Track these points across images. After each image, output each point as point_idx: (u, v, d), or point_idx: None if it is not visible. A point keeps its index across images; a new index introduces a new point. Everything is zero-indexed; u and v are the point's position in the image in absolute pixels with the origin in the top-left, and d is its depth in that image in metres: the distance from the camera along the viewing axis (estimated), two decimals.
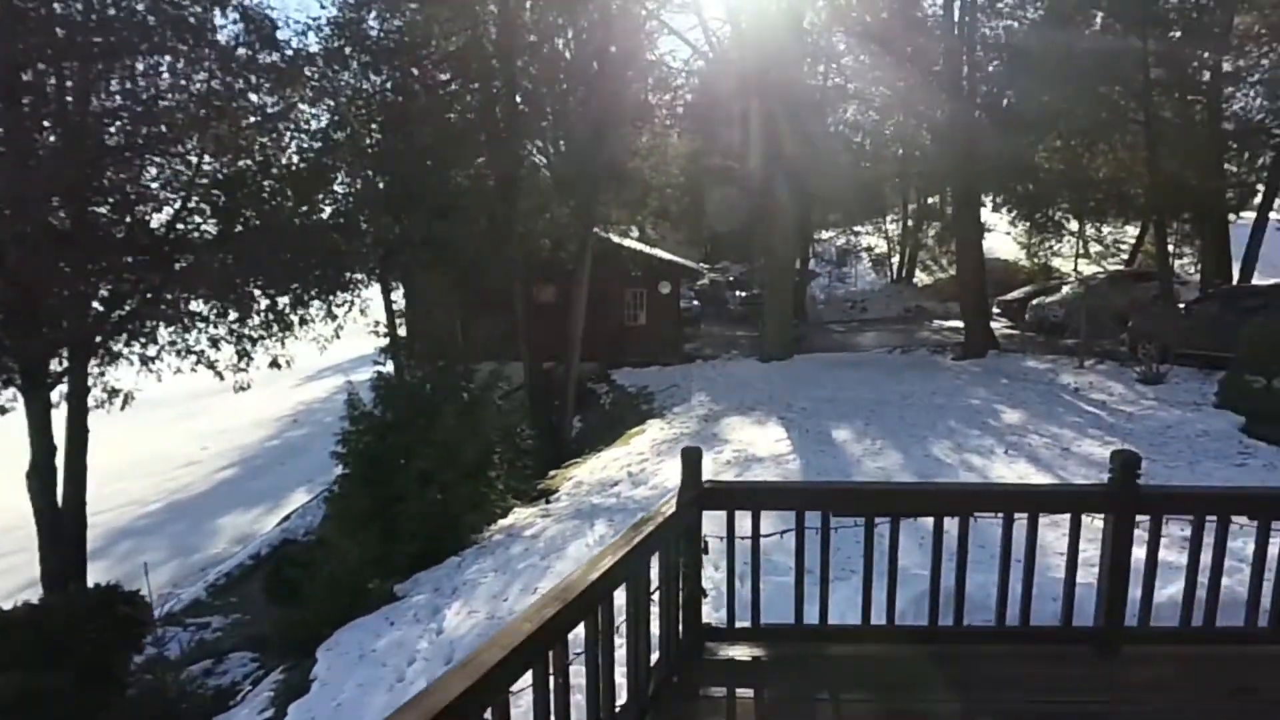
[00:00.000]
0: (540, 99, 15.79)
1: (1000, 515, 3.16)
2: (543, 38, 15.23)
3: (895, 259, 35.05)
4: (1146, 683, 3.03)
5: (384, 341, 12.46)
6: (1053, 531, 4.36)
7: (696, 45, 20.06)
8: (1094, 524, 3.23)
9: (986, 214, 26.18)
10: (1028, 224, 29.39)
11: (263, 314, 11.66)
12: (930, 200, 32.61)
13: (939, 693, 2.97)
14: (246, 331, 11.65)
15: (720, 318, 27.47)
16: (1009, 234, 32.42)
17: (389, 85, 15.10)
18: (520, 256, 14.53)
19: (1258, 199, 22.24)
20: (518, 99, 14.96)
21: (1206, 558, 3.18)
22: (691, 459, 3.21)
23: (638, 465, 9.66)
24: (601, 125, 14.61)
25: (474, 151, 15.13)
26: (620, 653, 2.70)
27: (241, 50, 10.90)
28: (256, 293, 11.47)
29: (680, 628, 3.20)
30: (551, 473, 10.86)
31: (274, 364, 11.92)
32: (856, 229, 34.36)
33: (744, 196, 20.68)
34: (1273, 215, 24.49)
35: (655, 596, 3.00)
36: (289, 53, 11.42)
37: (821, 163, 19.69)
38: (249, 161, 11.66)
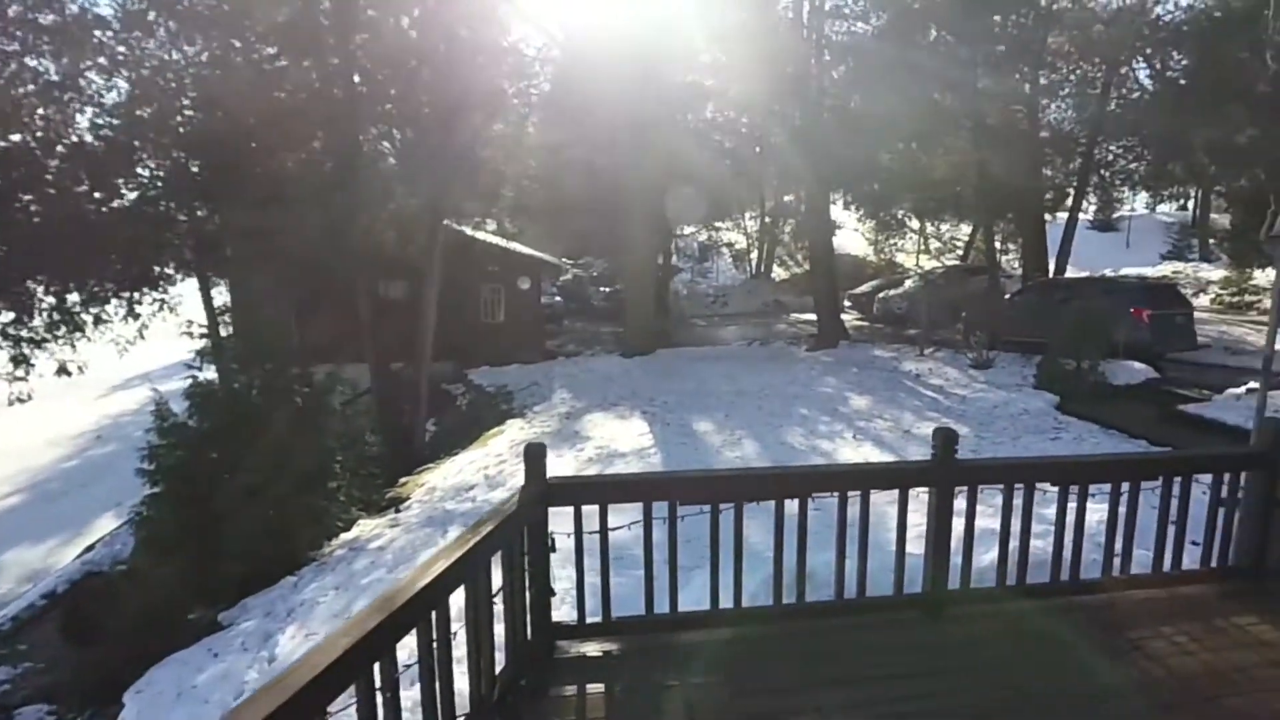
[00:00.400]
0: (383, 80, 15.08)
1: (836, 494, 3.38)
2: (383, 14, 14.54)
3: (754, 254, 36.68)
4: (967, 640, 3.34)
5: (201, 344, 11.38)
6: (893, 507, 4.73)
7: (552, 34, 20.02)
8: (923, 497, 3.52)
9: (837, 212, 28.04)
10: (874, 222, 31.75)
11: (46, 313, 10.30)
12: (786, 198, 34.46)
13: (782, 667, 3.13)
14: (25, 334, 10.24)
15: (584, 314, 27.57)
16: (857, 230, 34.83)
17: (204, 57, 13.85)
18: (362, 250, 13.79)
19: (1069, 201, 25.36)
20: (356, 79, 14.20)
21: (1020, 524, 3.56)
22: (534, 455, 3.19)
23: (495, 467, 9.49)
24: (451, 111, 14.16)
25: (307, 135, 14.19)
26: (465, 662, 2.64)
27: (14, 7, 9.59)
28: (39, 290, 10.11)
29: (529, 629, 3.17)
30: (402, 480, 10.43)
31: (62, 371, 10.57)
32: (717, 225, 35.62)
33: (604, 191, 20.84)
34: (1082, 216, 28.00)
35: (500, 599, 2.96)
36: (74, 12, 10.15)
37: (682, 158, 20.22)
38: (27, 136, 10.27)
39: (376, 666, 2.06)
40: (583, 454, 9.37)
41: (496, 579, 2.92)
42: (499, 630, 2.96)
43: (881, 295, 23.55)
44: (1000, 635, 3.36)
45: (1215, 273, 26.31)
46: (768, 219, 35.01)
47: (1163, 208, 43.37)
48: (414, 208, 15.11)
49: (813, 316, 19.95)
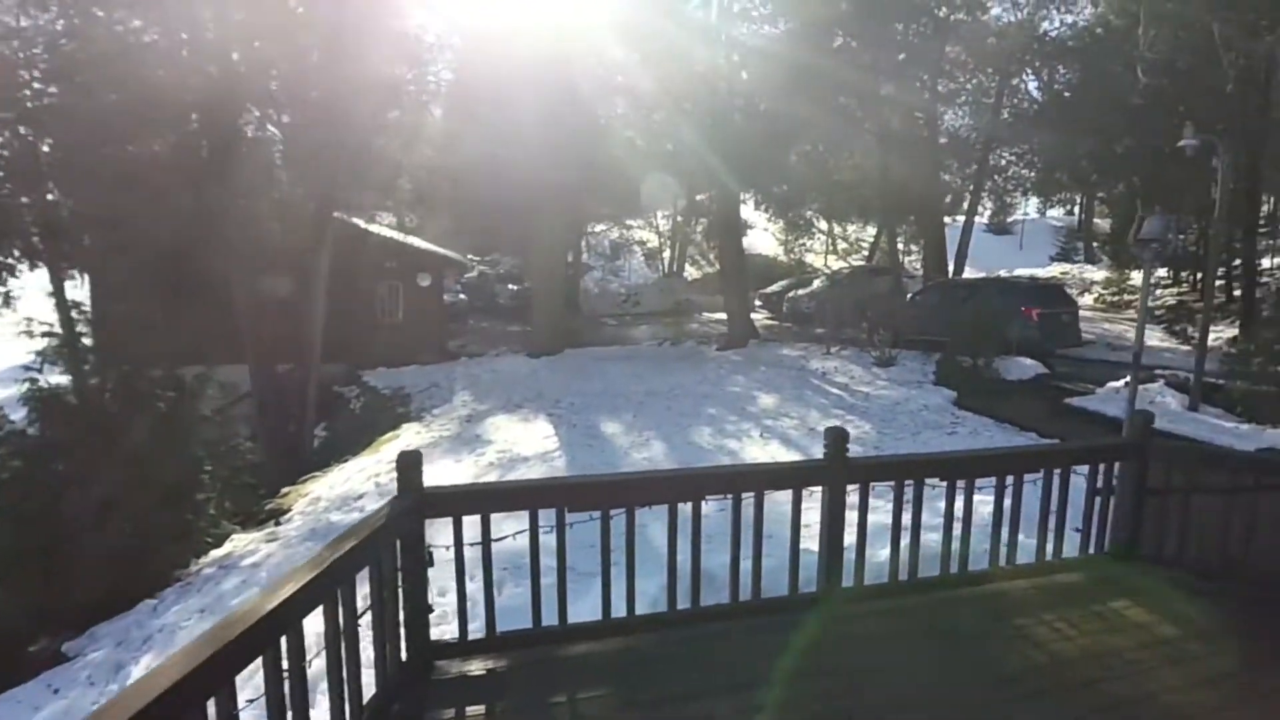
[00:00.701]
0: (266, 60, 14.24)
1: (729, 496, 3.35)
2: None
3: (667, 253, 36.96)
4: (861, 637, 3.37)
5: (43, 344, 10.28)
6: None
7: (452, 20, 19.48)
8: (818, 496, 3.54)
9: (748, 212, 28.60)
10: (783, 222, 32.59)
11: None
12: (699, 197, 34.85)
13: (676, 675, 3.06)
14: None
15: (490, 312, 27.07)
16: (767, 230, 35.64)
17: (60, 26, 12.69)
18: (241, 241, 12.98)
19: (966, 204, 26.82)
20: (234, 56, 13.36)
21: (911, 519, 3.63)
22: (407, 464, 3.02)
23: (387, 475, 9.08)
24: (342, 96, 13.53)
25: (178, 115, 13.23)
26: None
27: None
28: None
29: (403, 650, 2.99)
30: (285, 490, 9.86)
31: None
32: (629, 223, 35.66)
33: (512, 185, 20.46)
34: (978, 219, 29.65)
35: (369, 619, 2.77)
36: None
37: (593, 154, 20.09)
38: None
39: (211, 702, 1.86)
40: (483, 459, 9.12)
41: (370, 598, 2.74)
42: (370, 654, 2.78)
43: (790, 295, 24.15)
44: (893, 631, 3.41)
45: (1098, 274, 28.42)
46: (680, 218, 35.32)
47: (1053, 212, 46.48)
48: (300, 197, 14.37)
49: (724, 316, 20.24)
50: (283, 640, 2.19)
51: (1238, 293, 19.92)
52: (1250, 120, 14.86)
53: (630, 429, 10.26)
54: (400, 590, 2.95)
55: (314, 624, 2.42)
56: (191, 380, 8.25)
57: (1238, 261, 19.21)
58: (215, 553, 7.57)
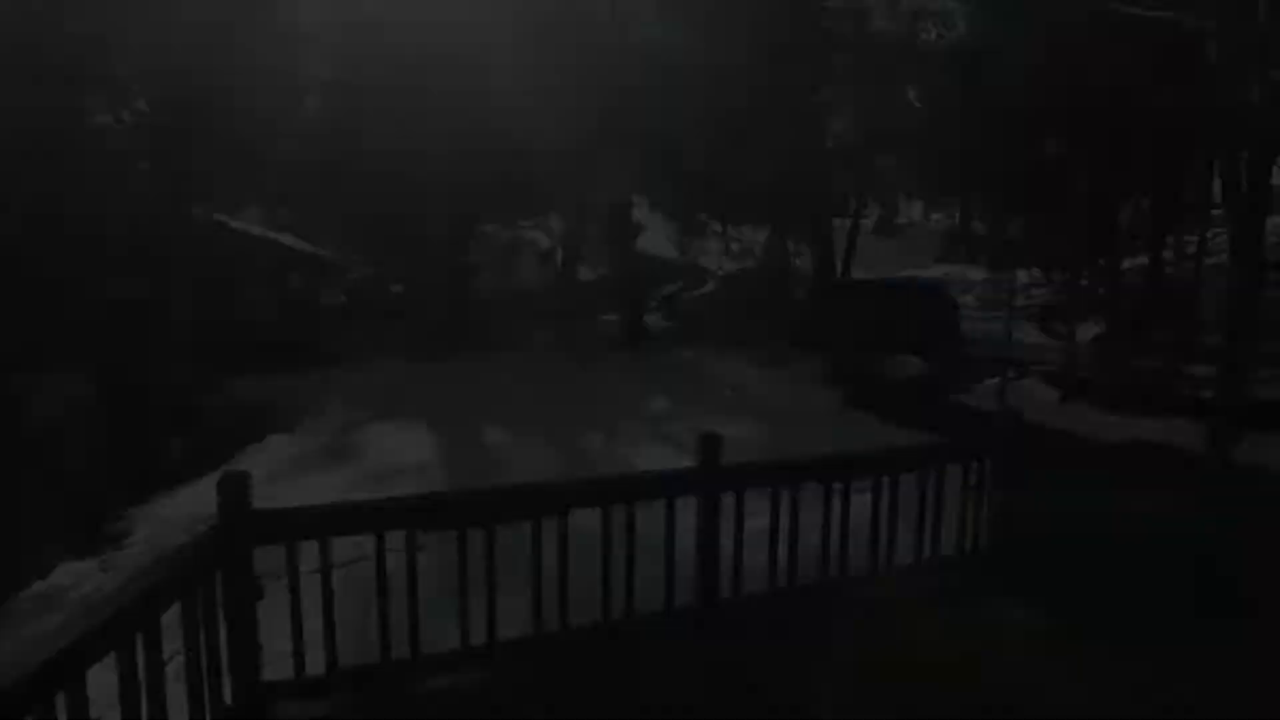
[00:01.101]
0: (113, 38, 13.10)
1: (599, 509, 3.21)
2: None
3: (560, 254, 36.58)
4: (739, 651, 3.30)
5: None
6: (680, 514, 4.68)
7: (330, 9, 18.57)
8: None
9: (644, 214, 28.71)
10: (678, 224, 32.95)
11: None
12: (593, 199, 34.60)
13: (540, 706, 2.90)
14: None
15: (373, 314, 25.96)
16: (661, 232, 35.95)
17: None
18: (82, 236, 11.89)
19: (854, 207, 27.95)
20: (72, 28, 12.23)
21: (788, 524, 3.60)
22: (231, 485, 2.71)
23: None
24: (204, 81, 12.64)
25: (11, 100, 11.99)
26: None
27: None
28: None
29: (227, 695, 2.69)
30: (127, 510, 8.98)
31: None
32: (521, 223, 35.08)
33: (398, 184, 19.71)
34: (866, 222, 30.95)
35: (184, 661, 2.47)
36: None
37: (482, 152, 19.61)
38: None
39: None
40: (356, 472, 8.64)
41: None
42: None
43: (685, 297, 24.42)
44: (771, 642, 3.36)
45: (979, 274, 30.19)
46: (573, 219, 35.03)
47: (936, 215, 49.11)
48: (156, 189, 13.33)
49: (618, 318, 20.17)
50: (58, 700, 1.88)
51: (1103, 291, 21.54)
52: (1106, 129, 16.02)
53: (516, 436, 9.99)
54: (223, 629, 2.65)
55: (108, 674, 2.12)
56: (15, 389, 7.39)
57: (1102, 262, 20.72)
58: (37, 585, 6.74)
